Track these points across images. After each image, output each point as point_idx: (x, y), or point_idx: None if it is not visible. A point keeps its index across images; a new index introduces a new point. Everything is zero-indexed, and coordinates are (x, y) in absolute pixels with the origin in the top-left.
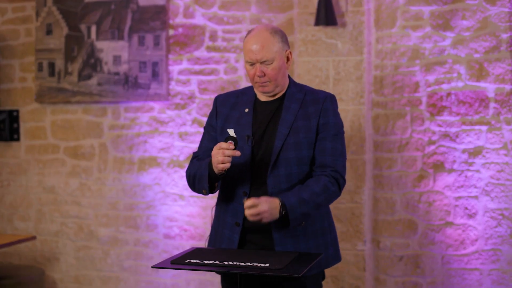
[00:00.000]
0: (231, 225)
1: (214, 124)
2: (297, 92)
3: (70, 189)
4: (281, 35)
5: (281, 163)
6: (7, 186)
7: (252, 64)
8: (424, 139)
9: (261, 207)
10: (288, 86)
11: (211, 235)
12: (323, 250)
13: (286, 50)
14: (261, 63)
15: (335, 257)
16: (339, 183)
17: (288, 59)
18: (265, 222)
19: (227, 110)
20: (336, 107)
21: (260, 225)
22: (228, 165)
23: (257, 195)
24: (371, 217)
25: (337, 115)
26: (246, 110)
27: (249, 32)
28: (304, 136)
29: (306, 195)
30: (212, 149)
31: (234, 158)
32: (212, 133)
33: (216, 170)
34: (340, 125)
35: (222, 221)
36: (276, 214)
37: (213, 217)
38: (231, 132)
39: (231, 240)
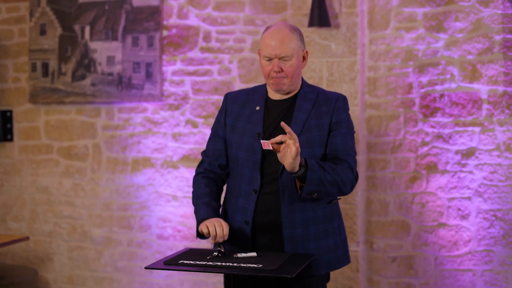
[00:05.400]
0: (241, 223)
1: (222, 121)
2: (310, 92)
3: (64, 189)
4: (300, 33)
5: None
6: (0, 186)
7: (270, 59)
8: (417, 141)
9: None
10: (301, 86)
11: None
12: (332, 251)
13: (303, 50)
14: (280, 58)
15: (345, 258)
16: (353, 174)
17: (304, 58)
18: (285, 158)
19: (238, 108)
20: (348, 108)
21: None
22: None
23: (268, 193)
24: (365, 218)
25: (348, 115)
26: (257, 108)
27: (267, 28)
28: (317, 134)
29: (327, 166)
30: (219, 149)
31: (244, 155)
32: (220, 132)
33: (199, 228)
34: (352, 124)
35: (231, 219)
36: (297, 163)
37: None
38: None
39: (243, 238)
